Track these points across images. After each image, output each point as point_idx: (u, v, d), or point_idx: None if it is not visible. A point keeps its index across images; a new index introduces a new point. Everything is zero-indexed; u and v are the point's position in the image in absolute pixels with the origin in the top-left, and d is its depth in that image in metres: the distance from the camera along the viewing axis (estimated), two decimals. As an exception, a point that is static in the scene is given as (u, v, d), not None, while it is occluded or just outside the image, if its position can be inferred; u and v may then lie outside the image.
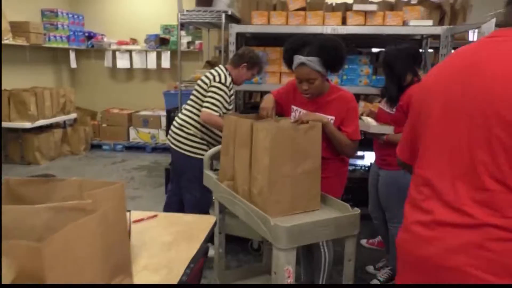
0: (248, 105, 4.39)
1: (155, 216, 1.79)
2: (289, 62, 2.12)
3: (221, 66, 2.90)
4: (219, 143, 2.76)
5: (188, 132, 2.84)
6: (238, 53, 2.89)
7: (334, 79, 3.50)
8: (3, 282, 0.76)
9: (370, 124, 2.47)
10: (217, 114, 2.69)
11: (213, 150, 2.34)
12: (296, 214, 1.82)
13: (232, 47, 3.53)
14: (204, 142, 2.85)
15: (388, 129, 2.43)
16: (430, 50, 4.20)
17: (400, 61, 2.47)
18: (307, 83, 2.04)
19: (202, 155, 2.63)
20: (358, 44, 4.20)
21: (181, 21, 3.67)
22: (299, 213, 1.83)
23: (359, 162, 5.34)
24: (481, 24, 2.62)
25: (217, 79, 2.75)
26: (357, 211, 1.76)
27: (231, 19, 3.74)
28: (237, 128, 1.95)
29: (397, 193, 2.40)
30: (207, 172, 2.27)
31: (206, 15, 3.62)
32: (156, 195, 4.27)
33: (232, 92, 2.81)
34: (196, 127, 2.83)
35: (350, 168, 4.21)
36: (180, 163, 2.91)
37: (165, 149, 5.93)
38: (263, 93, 5.00)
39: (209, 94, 2.72)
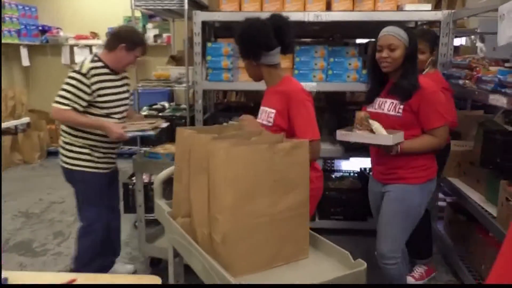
0: (219, 106, 3.83)
1: (73, 281, 1.23)
2: None
3: (94, 53, 2.40)
4: (111, 146, 2.34)
5: (64, 141, 2.34)
6: (112, 33, 2.37)
7: (318, 74, 2.99)
8: None
9: (381, 133, 1.89)
10: (69, 108, 2.19)
11: (166, 172, 1.79)
12: (276, 267, 1.30)
13: (197, 39, 2.97)
14: (86, 151, 2.32)
15: (400, 137, 1.89)
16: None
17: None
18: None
19: (87, 166, 2.32)
20: (344, 34, 3.70)
21: (135, 8, 3.08)
22: (281, 265, 1.31)
23: (346, 166, 4.86)
24: (497, 6, 2.13)
25: (75, 68, 2.26)
26: (362, 264, 1.24)
27: (196, 5, 3.17)
28: (192, 146, 1.41)
29: (406, 215, 1.98)
30: (158, 201, 1.72)
31: (164, 0, 3.04)
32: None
33: (95, 80, 2.24)
34: (71, 134, 2.31)
35: (338, 175, 3.71)
36: (67, 179, 2.41)
37: (132, 154, 5.33)
38: (237, 93, 4.47)
39: (61, 86, 2.24)
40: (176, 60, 4.03)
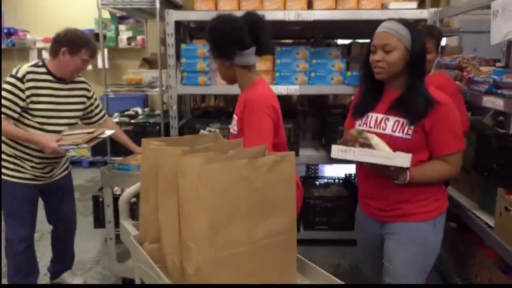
0: (196, 111, 3.63)
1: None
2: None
3: (42, 59, 2.25)
4: (48, 156, 2.16)
5: None
6: (53, 37, 2.17)
7: (300, 76, 2.82)
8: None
9: (385, 152, 1.46)
10: (3, 116, 2.04)
11: (133, 189, 1.58)
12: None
13: (170, 40, 2.77)
14: (14, 160, 2.18)
15: (407, 160, 1.43)
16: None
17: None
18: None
19: (12, 176, 2.16)
20: (325, 34, 3.55)
21: (101, 7, 2.86)
22: (265, 297, 1.13)
23: (328, 173, 4.72)
24: (486, 3, 2.01)
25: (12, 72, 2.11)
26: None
27: (169, 4, 2.97)
28: (160, 161, 1.21)
29: (423, 260, 1.62)
30: (124, 223, 1.51)
31: (133, -1, 2.82)
32: (84, 226, 3.41)
33: (30, 85, 2.08)
34: (4, 142, 2.16)
35: (322, 181, 3.55)
36: None
37: (106, 163, 5.06)
38: (216, 97, 4.27)
39: None
40: (149, 63, 3.81)
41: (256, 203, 1.07)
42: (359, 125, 1.64)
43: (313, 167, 4.13)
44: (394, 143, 1.51)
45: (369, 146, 1.47)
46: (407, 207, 1.59)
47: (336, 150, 1.46)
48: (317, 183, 3.49)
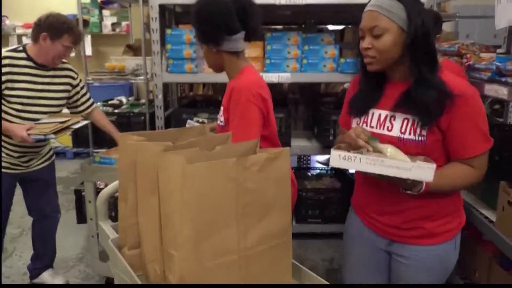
0: (183, 100, 3.48)
1: None
2: None
3: (23, 44, 2.15)
4: (23, 145, 2.06)
5: None
6: (35, 22, 2.06)
7: (292, 63, 2.69)
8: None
9: (401, 162, 1.11)
10: None
11: (111, 188, 1.45)
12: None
13: (154, 25, 2.61)
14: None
15: (429, 173, 1.10)
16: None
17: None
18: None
19: None
20: (317, 20, 3.41)
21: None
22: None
23: (319, 164, 4.62)
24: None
25: None
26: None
27: (153, -13, 2.79)
28: (138, 158, 1.08)
29: (441, 281, 1.39)
30: (102, 224, 1.38)
31: (115, -20, 2.65)
32: (67, 221, 3.26)
33: (7, 70, 1.98)
34: None
35: (314, 172, 3.45)
36: None
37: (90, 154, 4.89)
38: (204, 85, 4.12)
39: None
40: (133, 49, 3.64)
41: (247, 206, 0.95)
42: (358, 124, 1.36)
43: (304, 158, 4.02)
44: (405, 146, 1.22)
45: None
46: (430, 226, 1.30)
47: (337, 157, 1.12)
48: (309, 174, 3.39)
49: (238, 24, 1.51)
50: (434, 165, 1.08)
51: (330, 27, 3.89)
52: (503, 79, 1.74)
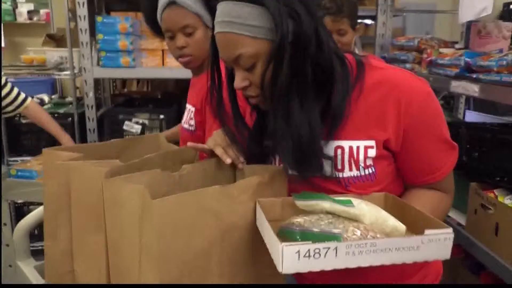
0: (118, 98, 3.10)
1: None
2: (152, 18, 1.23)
3: None
4: None
5: None
6: None
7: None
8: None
9: (404, 239, 0.67)
10: None
11: (33, 216, 1.12)
12: None
13: (82, 11, 2.24)
14: None
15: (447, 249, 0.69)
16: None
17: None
18: (183, 36, 1.20)
19: None
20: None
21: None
22: None
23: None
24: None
25: None
26: None
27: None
28: (74, 186, 0.79)
29: None
30: (21, 265, 1.06)
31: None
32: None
33: None
34: None
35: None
36: None
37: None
38: (139, 81, 3.75)
39: None
40: (55, 40, 3.17)
41: (234, 249, 0.71)
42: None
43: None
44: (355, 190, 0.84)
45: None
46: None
47: (295, 257, 0.61)
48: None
49: None
50: (451, 232, 0.68)
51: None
52: (474, 76, 1.65)
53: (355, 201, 0.73)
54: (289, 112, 0.75)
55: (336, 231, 0.65)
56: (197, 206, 0.65)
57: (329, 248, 0.61)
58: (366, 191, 0.83)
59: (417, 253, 0.66)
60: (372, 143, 0.83)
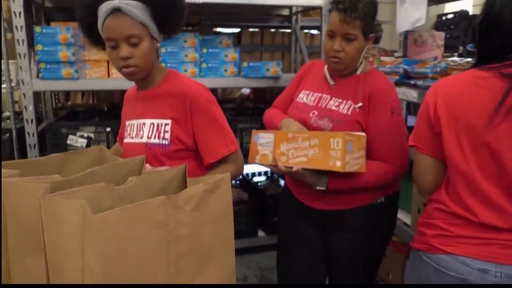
0: (61, 112, 2.97)
1: None
2: (90, 26, 1.21)
3: None
4: None
5: None
6: None
7: (190, 68, 2.44)
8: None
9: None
10: None
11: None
12: None
13: (19, 22, 2.12)
14: None
15: None
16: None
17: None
18: (127, 46, 1.16)
19: None
20: (212, 22, 3.21)
21: None
22: None
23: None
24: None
25: None
26: None
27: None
28: (9, 205, 0.74)
29: None
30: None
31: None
32: None
33: None
34: None
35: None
36: None
37: None
38: (84, 93, 3.61)
39: None
40: (-10, 51, 2.98)
41: (180, 259, 0.70)
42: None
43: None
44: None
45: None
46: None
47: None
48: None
49: None
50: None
51: (225, 30, 3.72)
52: (412, 82, 1.75)
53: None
54: None
55: None
56: (142, 218, 0.63)
57: None
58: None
59: None
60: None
